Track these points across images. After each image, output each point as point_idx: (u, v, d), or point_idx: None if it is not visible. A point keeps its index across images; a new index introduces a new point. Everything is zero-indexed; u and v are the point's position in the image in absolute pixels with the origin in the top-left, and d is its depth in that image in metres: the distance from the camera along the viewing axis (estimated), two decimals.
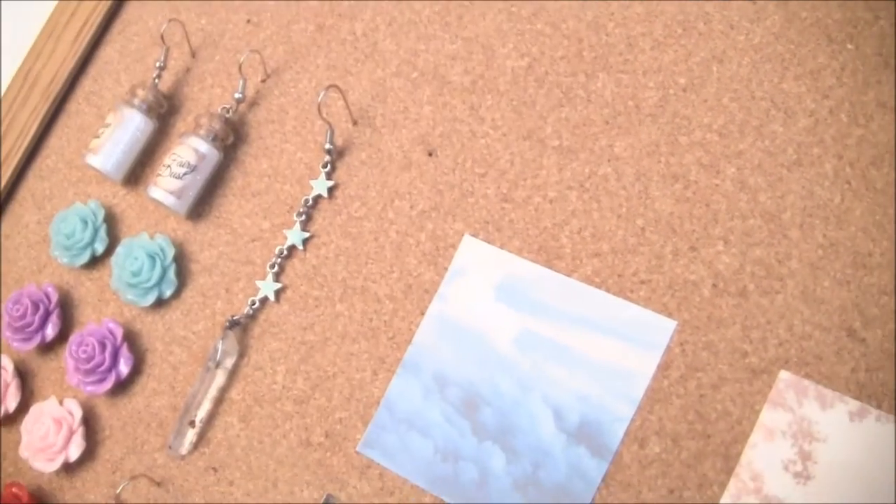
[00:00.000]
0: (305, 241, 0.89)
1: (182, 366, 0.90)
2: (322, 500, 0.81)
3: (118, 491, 0.85)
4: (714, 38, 0.80)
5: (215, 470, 0.86)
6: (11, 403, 0.94)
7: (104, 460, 0.91)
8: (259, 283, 0.89)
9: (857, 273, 0.71)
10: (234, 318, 0.88)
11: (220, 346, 0.87)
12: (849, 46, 0.76)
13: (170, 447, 0.87)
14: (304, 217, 0.89)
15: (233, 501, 0.84)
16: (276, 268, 0.89)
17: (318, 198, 0.90)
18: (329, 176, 0.90)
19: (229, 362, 0.88)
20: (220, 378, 0.88)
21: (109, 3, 1.05)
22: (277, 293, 0.89)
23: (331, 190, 0.89)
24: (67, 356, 0.92)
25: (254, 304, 0.89)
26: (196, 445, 0.87)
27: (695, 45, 0.80)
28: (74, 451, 0.91)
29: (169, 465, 0.88)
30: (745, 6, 0.80)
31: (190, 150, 0.91)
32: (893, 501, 0.66)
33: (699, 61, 0.80)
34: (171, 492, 0.87)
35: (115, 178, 0.96)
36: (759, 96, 0.77)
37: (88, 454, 0.91)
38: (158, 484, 0.88)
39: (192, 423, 0.87)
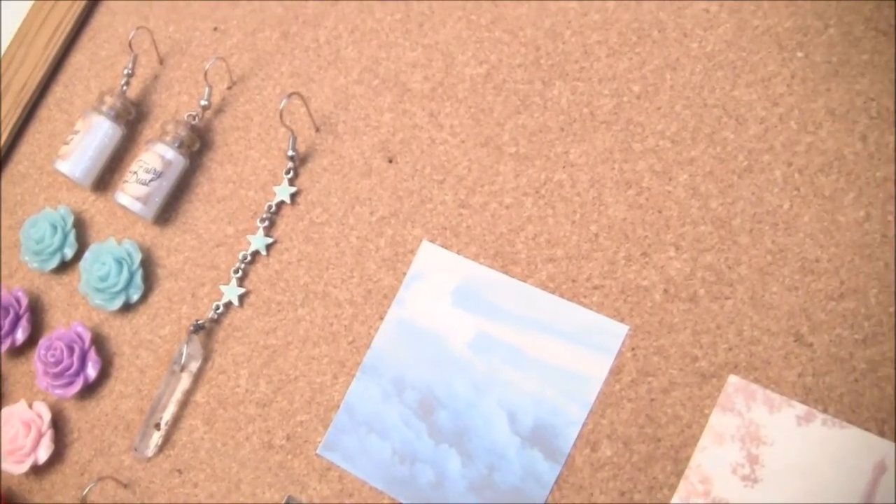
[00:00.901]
0: (269, 247, 0.89)
1: (149, 369, 0.89)
2: (283, 502, 0.81)
3: (84, 492, 0.84)
4: (668, 46, 0.79)
5: (180, 472, 0.85)
6: None
7: (72, 462, 0.90)
8: (223, 288, 0.88)
9: (805, 279, 0.70)
10: (199, 322, 0.87)
11: (184, 350, 0.87)
12: (799, 54, 0.75)
13: (135, 449, 0.86)
14: (267, 223, 0.89)
15: (196, 503, 0.84)
16: (240, 273, 0.88)
17: (280, 204, 0.89)
18: (292, 182, 0.89)
19: (194, 366, 0.87)
20: (184, 381, 0.87)
21: (80, 10, 1.04)
22: (241, 298, 0.88)
23: (293, 196, 0.89)
24: (37, 360, 0.91)
25: (218, 308, 0.88)
26: (161, 448, 0.86)
27: (649, 52, 0.80)
28: (43, 454, 0.90)
29: (135, 466, 0.87)
30: (699, 14, 0.79)
31: (156, 157, 0.91)
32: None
33: (653, 69, 0.79)
34: (137, 493, 0.86)
35: (84, 184, 0.95)
36: (711, 103, 0.76)
37: (57, 456, 0.91)
38: (125, 486, 0.87)
39: (157, 426, 0.86)
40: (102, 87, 0.99)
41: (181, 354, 0.87)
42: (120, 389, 0.90)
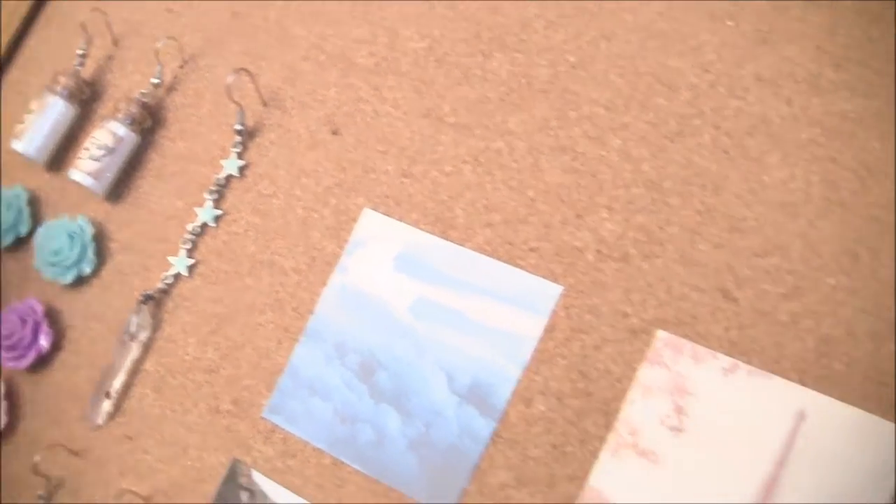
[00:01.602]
0: (217, 219, 0.89)
1: (101, 340, 0.90)
2: (228, 464, 0.81)
3: (35, 459, 0.84)
4: (603, 18, 0.80)
5: (130, 438, 0.86)
6: None
7: (25, 433, 0.91)
8: (172, 260, 0.89)
9: (732, 237, 0.71)
10: (148, 293, 0.88)
11: (134, 320, 0.87)
12: (729, 23, 0.76)
13: (87, 418, 0.86)
14: (216, 196, 0.89)
15: (146, 468, 0.84)
16: (189, 244, 0.89)
17: (229, 177, 0.90)
18: (240, 156, 0.90)
19: (143, 335, 0.87)
20: (134, 351, 0.87)
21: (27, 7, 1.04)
22: (190, 268, 0.88)
23: (241, 169, 0.89)
24: None
25: (167, 279, 0.88)
26: (112, 416, 0.86)
27: (585, 24, 0.81)
28: None
29: (87, 435, 0.87)
30: None
31: (108, 134, 0.91)
32: (757, 451, 0.66)
33: (589, 40, 0.80)
34: (90, 460, 0.87)
35: (39, 161, 0.95)
36: (644, 71, 0.77)
37: (10, 427, 0.91)
38: (76, 454, 0.87)
39: (107, 395, 0.87)
40: (58, 69, 0.99)
41: (131, 324, 0.87)
42: (73, 361, 0.90)
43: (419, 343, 0.77)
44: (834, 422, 0.65)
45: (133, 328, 0.87)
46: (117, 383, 0.87)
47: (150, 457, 0.84)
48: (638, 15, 0.79)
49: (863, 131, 0.71)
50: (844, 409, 0.65)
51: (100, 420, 0.86)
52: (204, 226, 0.89)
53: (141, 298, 0.87)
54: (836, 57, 0.73)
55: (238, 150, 0.89)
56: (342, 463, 0.77)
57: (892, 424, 0.64)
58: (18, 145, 0.95)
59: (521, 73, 0.81)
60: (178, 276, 0.89)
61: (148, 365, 0.87)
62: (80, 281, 0.92)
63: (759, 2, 0.76)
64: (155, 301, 0.88)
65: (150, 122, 0.94)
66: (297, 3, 0.92)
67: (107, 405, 0.86)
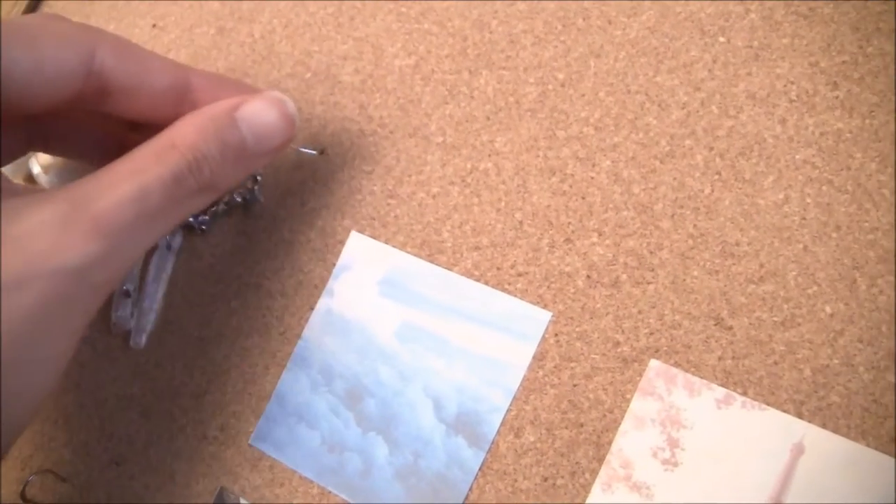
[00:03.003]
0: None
1: (89, 363, 0.85)
2: (216, 492, 0.77)
3: (23, 486, 0.80)
4: (592, 34, 0.75)
5: (118, 464, 0.81)
6: None
7: (13, 458, 0.86)
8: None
9: (726, 262, 0.66)
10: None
11: None
12: (721, 39, 0.72)
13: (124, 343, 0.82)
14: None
15: (133, 494, 0.80)
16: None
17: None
18: None
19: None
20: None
21: (22, 9, 0.99)
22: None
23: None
24: None
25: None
26: (98, 438, 0.82)
27: (574, 40, 0.76)
28: None
29: (74, 460, 0.83)
30: (623, 2, 0.75)
31: None
32: (754, 486, 0.62)
33: (577, 57, 0.75)
34: (77, 485, 0.82)
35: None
36: (634, 90, 0.73)
37: None
38: (64, 479, 0.83)
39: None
40: None
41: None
42: (62, 385, 0.86)
43: (405, 370, 0.72)
44: (832, 456, 0.61)
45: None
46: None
47: (137, 483, 0.80)
48: (628, 31, 0.75)
49: (859, 152, 0.66)
50: (843, 443, 0.61)
51: (143, 341, 0.81)
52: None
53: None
54: (831, 75, 0.68)
55: None
56: (330, 492, 0.73)
57: (893, 459, 0.60)
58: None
59: (508, 92, 0.77)
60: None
61: (135, 388, 0.82)
62: None
63: (751, 17, 0.71)
64: None
65: None
66: (283, 20, 0.87)
67: (150, 322, 0.81)
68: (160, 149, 0.61)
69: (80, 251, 0.55)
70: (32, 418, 0.56)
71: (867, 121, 0.66)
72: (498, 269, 0.72)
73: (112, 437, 0.82)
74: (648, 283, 0.68)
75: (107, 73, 0.63)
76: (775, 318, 0.64)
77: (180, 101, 0.67)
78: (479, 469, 0.69)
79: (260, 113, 0.69)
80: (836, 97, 0.67)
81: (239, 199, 0.82)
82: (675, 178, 0.69)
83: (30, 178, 0.89)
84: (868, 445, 0.60)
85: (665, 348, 0.66)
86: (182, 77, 0.67)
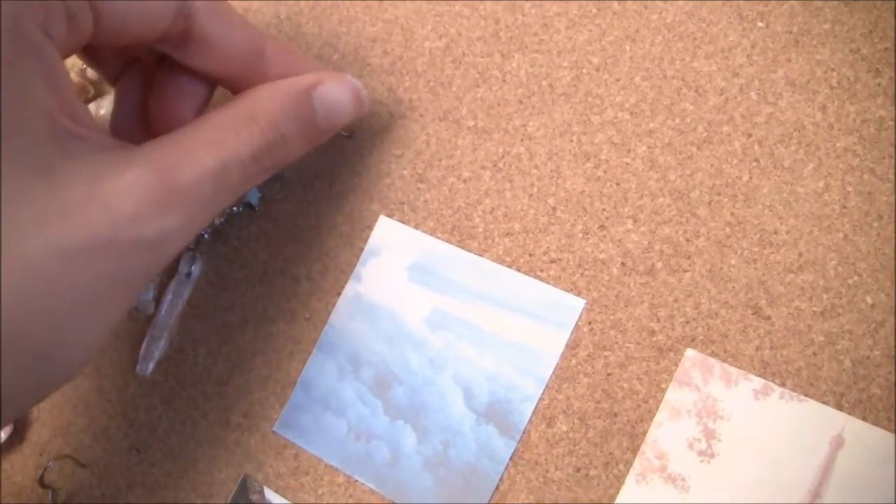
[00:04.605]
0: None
1: (110, 347, 0.85)
2: (239, 480, 0.77)
3: (41, 472, 0.80)
4: (628, 17, 0.75)
5: (138, 451, 0.81)
6: None
7: (32, 443, 0.87)
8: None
9: (764, 251, 0.66)
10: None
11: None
12: (759, 24, 0.71)
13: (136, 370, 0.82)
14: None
15: (154, 482, 0.80)
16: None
17: None
18: None
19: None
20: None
21: None
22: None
23: None
24: None
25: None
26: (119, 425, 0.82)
27: (609, 24, 0.76)
28: (2, 434, 0.86)
29: (94, 446, 0.83)
30: None
31: None
32: (792, 479, 0.61)
33: (612, 40, 0.75)
34: (96, 472, 0.82)
35: None
36: (671, 75, 0.72)
37: (17, 436, 0.87)
38: (83, 465, 0.83)
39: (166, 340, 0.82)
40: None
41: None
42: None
43: (435, 357, 0.72)
44: (873, 448, 0.61)
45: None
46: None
47: (158, 470, 0.80)
48: (664, 15, 0.74)
49: None
50: (883, 436, 0.61)
51: (149, 370, 0.81)
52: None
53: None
54: (873, 61, 0.68)
55: None
56: (356, 481, 0.73)
57: None
58: None
59: (541, 75, 0.76)
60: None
61: (157, 375, 0.82)
62: None
63: (790, 2, 0.71)
64: None
65: None
66: (310, 0, 0.87)
67: (160, 350, 0.81)
68: (240, 121, 0.62)
69: (159, 221, 0.56)
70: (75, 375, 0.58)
71: None
72: (530, 255, 0.72)
73: (133, 423, 0.82)
74: (685, 270, 0.68)
75: (193, 18, 0.64)
76: (815, 308, 0.64)
77: (253, 65, 0.68)
78: (510, 459, 0.69)
79: (336, 96, 0.71)
80: (878, 84, 0.67)
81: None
82: (712, 165, 0.69)
83: None
84: None
85: (701, 337, 0.66)
86: (259, 42, 0.68)
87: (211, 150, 0.60)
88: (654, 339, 0.67)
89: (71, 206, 0.53)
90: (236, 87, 0.69)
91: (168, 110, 0.70)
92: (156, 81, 0.70)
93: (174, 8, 0.64)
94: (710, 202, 0.69)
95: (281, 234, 0.81)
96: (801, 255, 0.65)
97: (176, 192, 0.57)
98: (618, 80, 0.74)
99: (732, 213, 0.68)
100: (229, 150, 0.61)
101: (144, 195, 0.56)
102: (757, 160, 0.68)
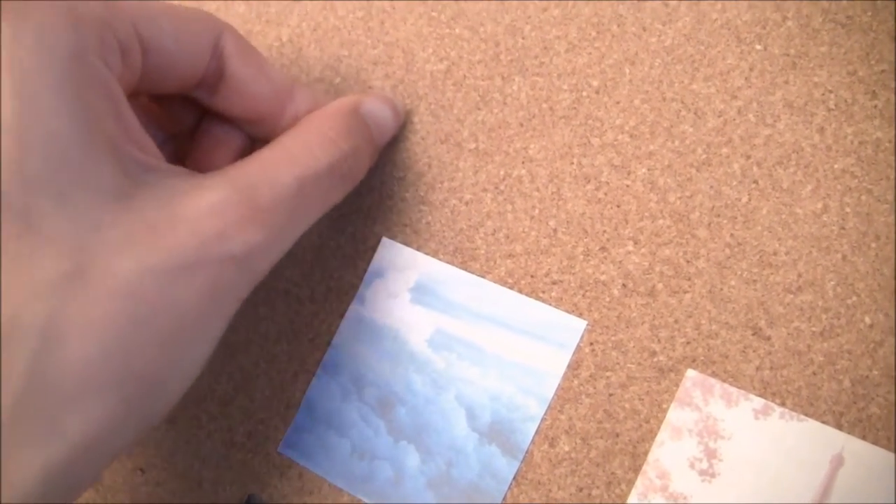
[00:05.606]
0: None
1: None
2: (244, 500, 0.78)
3: None
4: (627, 40, 0.76)
5: (143, 471, 0.82)
6: None
7: None
8: None
9: (763, 272, 0.67)
10: None
11: None
12: (757, 47, 0.73)
13: None
14: None
15: (158, 501, 0.80)
16: None
17: None
18: None
19: None
20: None
21: None
22: None
23: None
24: None
25: None
26: None
27: (608, 47, 0.77)
28: None
29: None
30: (658, 8, 0.76)
31: None
32: (792, 497, 0.62)
33: (612, 63, 0.76)
34: (101, 491, 0.83)
35: None
36: (670, 97, 0.74)
37: None
38: None
39: None
40: None
41: None
42: None
43: (438, 377, 0.73)
44: (872, 468, 0.62)
45: None
46: None
47: (163, 490, 0.80)
48: (663, 38, 0.76)
49: None
50: (883, 455, 0.62)
51: None
52: None
53: None
54: (870, 83, 0.69)
55: None
56: (361, 501, 0.74)
57: None
58: None
59: (541, 98, 0.78)
60: None
61: None
62: None
63: (788, 25, 0.72)
64: None
65: None
66: (311, 22, 0.89)
67: None
68: (311, 138, 0.64)
69: (245, 239, 0.57)
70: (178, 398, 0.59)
71: None
72: (532, 276, 0.73)
73: (136, 442, 0.83)
74: (685, 292, 0.69)
75: (226, 59, 0.65)
76: (814, 329, 0.65)
77: (284, 106, 0.69)
78: (513, 479, 0.70)
79: (380, 111, 0.75)
80: (875, 106, 0.68)
81: None
82: (711, 187, 0.70)
83: None
84: None
85: (702, 358, 0.67)
86: (288, 81, 0.69)
87: (288, 167, 0.62)
88: (655, 359, 0.68)
89: (156, 229, 0.54)
90: (268, 132, 0.70)
91: (206, 161, 0.71)
92: (192, 140, 0.71)
93: (211, 43, 0.65)
94: (709, 224, 0.70)
95: (284, 256, 0.82)
96: (800, 275, 0.67)
97: (259, 209, 0.58)
98: (617, 102, 0.75)
99: (732, 235, 0.69)
100: (306, 166, 0.62)
101: (228, 213, 0.57)
102: (756, 182, 0.70)
